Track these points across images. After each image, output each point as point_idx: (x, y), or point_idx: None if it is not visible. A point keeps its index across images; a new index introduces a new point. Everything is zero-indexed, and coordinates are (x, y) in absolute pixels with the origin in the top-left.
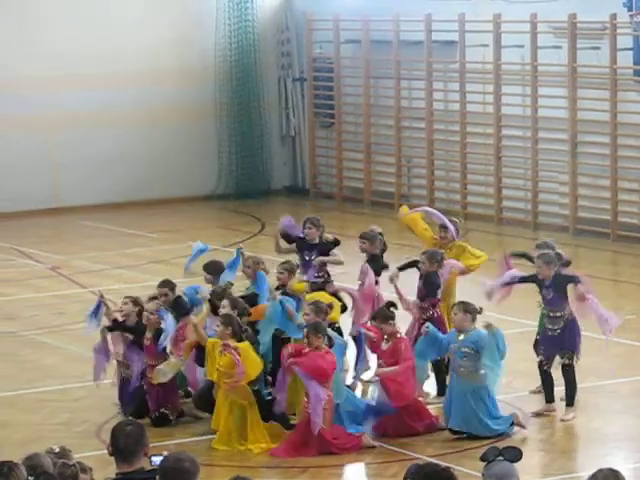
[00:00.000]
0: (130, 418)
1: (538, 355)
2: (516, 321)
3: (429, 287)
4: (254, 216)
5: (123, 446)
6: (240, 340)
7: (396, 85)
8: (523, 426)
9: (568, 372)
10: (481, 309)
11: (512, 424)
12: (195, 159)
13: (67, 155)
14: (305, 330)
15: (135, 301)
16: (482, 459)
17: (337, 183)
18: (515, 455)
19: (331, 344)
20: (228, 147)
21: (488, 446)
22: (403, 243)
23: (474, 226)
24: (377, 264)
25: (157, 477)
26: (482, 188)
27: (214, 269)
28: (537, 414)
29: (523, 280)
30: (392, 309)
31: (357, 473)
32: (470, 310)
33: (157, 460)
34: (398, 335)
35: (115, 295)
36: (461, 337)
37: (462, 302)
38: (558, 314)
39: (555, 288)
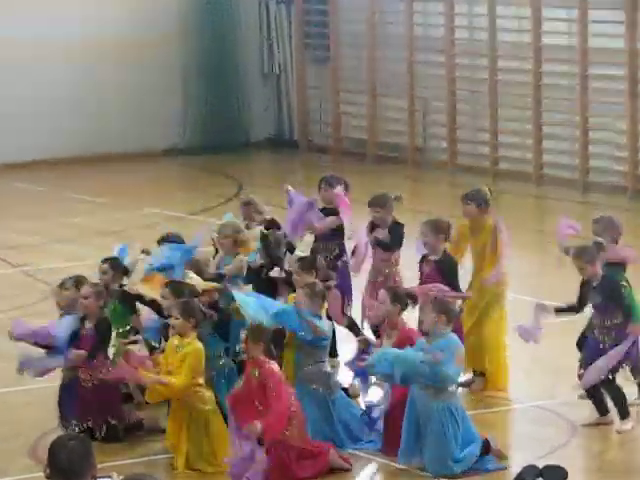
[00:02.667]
0: (74, 431)
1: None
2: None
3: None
4: (228, 175)
5: (65, 466)
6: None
7: (408, 9)
8: (499, 455)
9: (609, 387)
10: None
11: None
12: (154, 103)
13: None
14: (244, 334)
15: (77, 283)
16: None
17: (333, 133)
18: (558, 476)
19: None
20: (196, 88)
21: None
22: (418, 209)
23: (507, 187)
24: (397, 233)
25: None
26: (517, 139)
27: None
28: (588, 425)
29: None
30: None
31: None
32: (447, 310)
33: None
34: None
35: (53, 275)
36: (428, 343)
37: (438, 300)
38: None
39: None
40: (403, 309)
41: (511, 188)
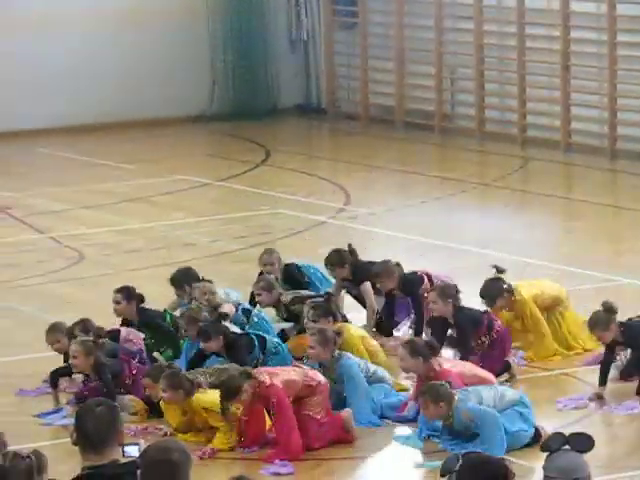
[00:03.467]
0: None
1: None
2: (587, 274)
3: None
4: (256, 142)
5: (92, 431)
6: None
7: None
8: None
9: None
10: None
11: None
12: (181, 70)
13: (16, 67)
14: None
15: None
16: (543, 449)
17: (362, 100)
18: (585, 444)
19: None
20: (223, 55)
21: (552, 432)
22: (446, 176)
23: (536, 154)
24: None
25: (138, 472)
26: (546, 106)
27: (184, 279)
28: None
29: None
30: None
31: (376, 464)
32: (443, 397)
33: (131, 451)
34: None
35: (80, 242)
36: (448, 424)
37: (428, 390)
38: None
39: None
40: (427, 359)
41: (539, 155)
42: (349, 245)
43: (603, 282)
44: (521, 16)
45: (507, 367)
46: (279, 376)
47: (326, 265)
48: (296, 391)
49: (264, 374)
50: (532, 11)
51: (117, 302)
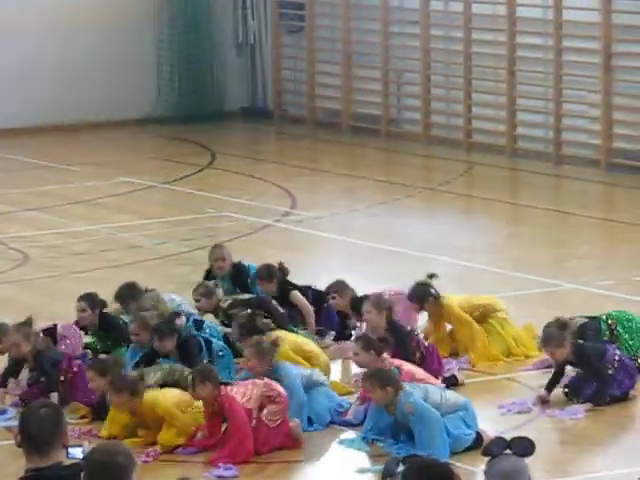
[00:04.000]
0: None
1: None
2: (531, 279)
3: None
4: (202, 145)
5: (36, 433)
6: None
7: None
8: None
9: None
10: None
11: None
12: (128, 73)
13: None
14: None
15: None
16: (485, 453)
17: (308, 104)
18: (526, 448)
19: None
20: (169, 57)
21: (494, 436)
22: (391, 180)
23: (481, 159)
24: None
25: (81, 474)
26: (491, 111)
27: (129, 294)
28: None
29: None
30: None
31: (321, 468)
32: (390, 382)
33: (76, 452)
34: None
35: (24, 243)
36: (391, 413)
37: (374, 375)
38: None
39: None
40: (380, 353)
41: (485, 160)
42: (280, 263)
43: (547, 287)
44: (468, 21)
45: (454, 381)
46: (238, 391)
47: (254, 278)
48: (256, 402)
49: (220, 389)
50: (478, 16)
51: (82, 310)
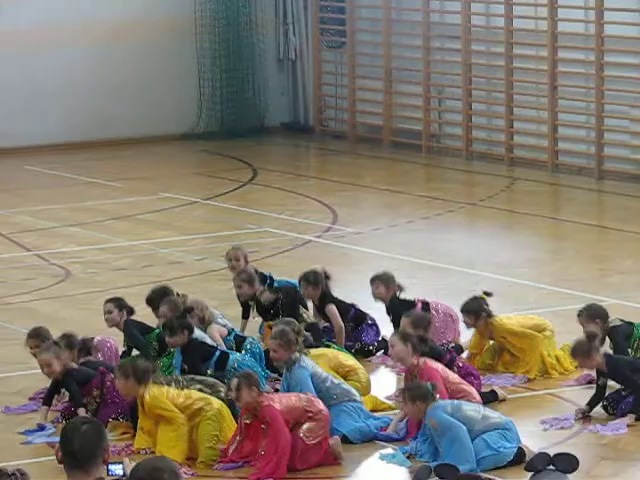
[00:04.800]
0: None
1: None
2: (573, 294)
3: None
4: (243, 160)
5: (78, 449)
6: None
7: None
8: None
9: None
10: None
11: None
12: (169, 88)
13: (3, 84)
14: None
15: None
16: (528, 468)
17: (349, 119)
18: (569, 464)
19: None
20: (211, 73)
21: (537, 452)
22: (433, 196)
23: (523, 174)
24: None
25: None
26: (533, 126)
27: (160, 298)
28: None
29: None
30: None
31: None
32: (421, 396)
33: (116, 469)
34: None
35: (65, 259)
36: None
37: (407, 389)
38: None
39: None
40: (416, 349)
41: (526, 175)
42: (323, 268)
43: (589, 302)
44: (509, 36)
45: (494, 397)
46: (280, 401)
47: (299, 282)
48: (296, 417)
49: (264, 396)
50: (520, 31)
51: (109, 312)
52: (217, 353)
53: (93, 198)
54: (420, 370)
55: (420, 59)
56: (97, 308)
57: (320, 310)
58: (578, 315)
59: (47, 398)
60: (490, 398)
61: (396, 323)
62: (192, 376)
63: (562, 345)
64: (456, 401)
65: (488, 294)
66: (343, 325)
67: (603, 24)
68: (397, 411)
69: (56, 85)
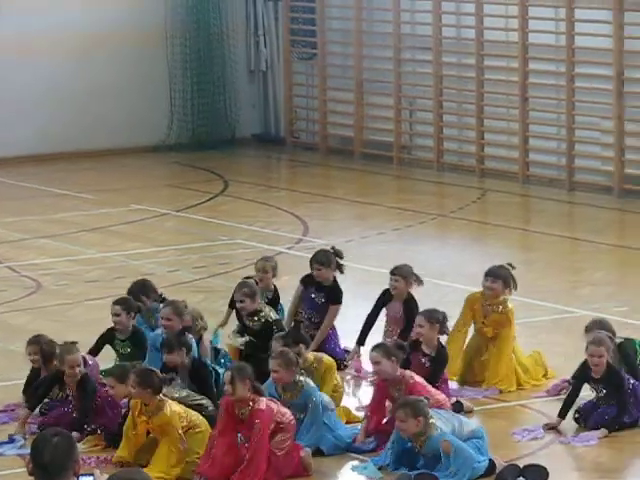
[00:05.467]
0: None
1: None
2: (544, 305)
3: None
4: (214, 172)
5: (49, 461)
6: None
7: (395, 6)
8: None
9: None
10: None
11: None
12: (141, 100)
13: None
14: (228, 373)
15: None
16: None
17: (320, 131)
18: (539, 475)
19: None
20: (182, 84)
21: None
22: (404, 207)
23: (493, 185)
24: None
25: None
26: (504, 138)
27: (140, 291)
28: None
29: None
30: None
31: None
32: (421, 412)
33: None
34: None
35: (36, 271)
36: (419, 445)
37: (408, 404)
38: None
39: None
40: (399, 361)
41: (497, 187)
42: (332, 247)
43: (560, 314)
44: (480, 48)
45: (459, 408)
46: (269, 405)
47: (311, 264)
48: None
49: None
50: (491, 43)
51: (116, 314)
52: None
53: (64, 210)
54: (408, 385)
55: (391, 70)
56: (69, 320)
57: (327, 295)
58: (586, 330)
59: (35, 402)
60: (456, 409)
61: (409, 321)
62: (187, 392)
63: (532, 352)
64: (442, 411)
65: (512, 267)
66: (329, 330)
67: (574, 35)
68: (363, 424)
69: (27, 98)
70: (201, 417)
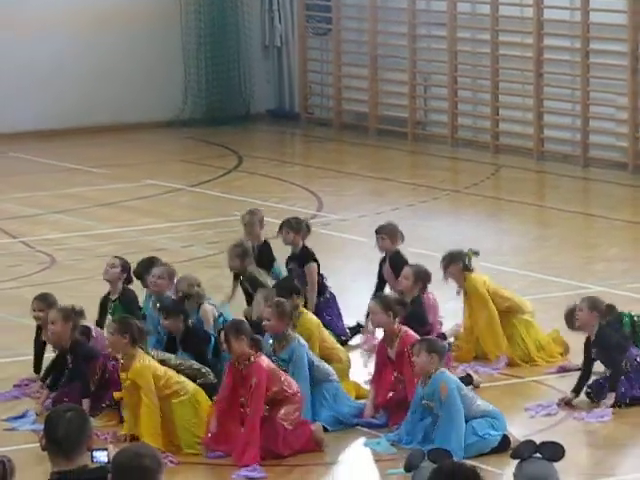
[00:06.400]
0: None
1: None
2: (558, 281)
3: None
4: (229, 147)
5: (62, 437)
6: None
7: None
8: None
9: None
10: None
11: None
12: (154, 75)
13: None
14: (222, 332)
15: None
16: (514, 456)
17: (335, 106)
18: (555, 452)
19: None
20: (196, 60)
21: (522, 440)
22: (418, 183)
23: (508, 161)
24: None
25: (107, 477)
26: (519, 113)
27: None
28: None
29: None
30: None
31: (347, 470)
32: (437, 349)
33: (100, 456)
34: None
35: (50, 246)
36: (423, 388)
37: (426, 340)
38: None
39: None
40: (397, 316)
41: (512, 163)
42: (306, 220)
43: (574, 289)
44: (495, 23)
45: (468, 380)
46: (269, 363)
47: (281, 227)
48: (276, 392)
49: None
50: (506, 18)
51: (113, 265)
52: (213, 340)
53: (78, 185)
54: (402, 338)
55: (406, 46)
56: (82, 295)
57: (299, 264)
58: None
59: (52, 382)
60: (464, 382)
61: (397, 275)
62: (181, 360)
63: (552, 330)
64: (469, 392)
65: (476, 253)
66: (316, 289)
67: (589, 11)
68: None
69: (42, 72)
70: (188, 383)
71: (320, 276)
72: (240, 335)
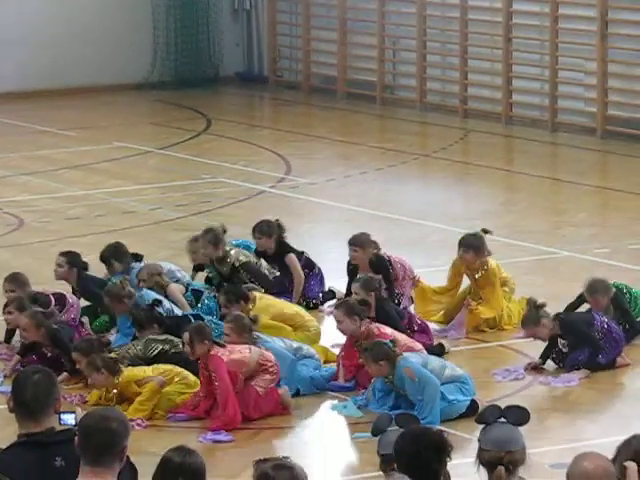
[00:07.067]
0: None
1: None
2: (526, 246)
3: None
4: (198, 110)
5: (30, 398)
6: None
7: None
8: None
9: None
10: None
11: None
12: (123, 37)
13: None
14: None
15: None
16: (479, 421)
17: (304, 70)
18: (520, 416)
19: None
20: (166, 22)
21: (487, 404)
22: (386, 147)
23: (476, 126)
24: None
25: (74, 440)
26: (487, 78)
27: (112, 255)
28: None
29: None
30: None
31: (313, 433)
32: (383, 355)
33: (68, 419)
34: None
35: (19, 208)
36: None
37: (368, 350)
38: None
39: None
40: (362, 318)
41: (480, 127)
42: (277, 220)
43: (542, 254)
44: None
45: (440, 350)
46: (232, 354)
47: (253, 232)
48: (248, 369)
49: (214, 348)
50: None
51: (59, 265)
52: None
53: (47, 147)
54: (373, 336)
55: (375, 10)
56: (50, 257)
57: (276, 260)
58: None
59: (22, 350)
60: (437, 351)
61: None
62: (147, 337)
63: (520, 298)
64: (422, 354)
65: (487, 231)
66: (303, 276)
67: None
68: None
69: (10, 34)
70: (167, 367)
71: (302, 254)
72: (204, 340)
